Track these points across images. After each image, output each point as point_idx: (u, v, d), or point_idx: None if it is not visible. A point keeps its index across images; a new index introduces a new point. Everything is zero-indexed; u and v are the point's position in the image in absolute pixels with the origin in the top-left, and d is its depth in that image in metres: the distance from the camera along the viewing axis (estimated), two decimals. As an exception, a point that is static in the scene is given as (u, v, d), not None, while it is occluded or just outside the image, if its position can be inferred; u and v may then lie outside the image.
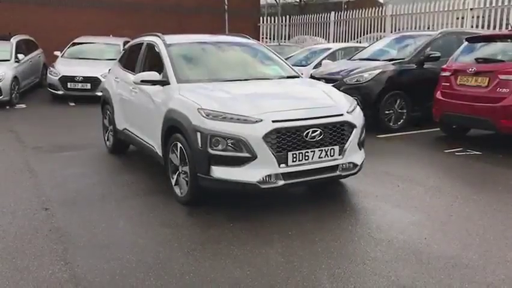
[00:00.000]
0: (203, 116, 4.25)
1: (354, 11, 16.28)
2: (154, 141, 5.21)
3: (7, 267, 3.38)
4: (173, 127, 4.65)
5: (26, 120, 9.67)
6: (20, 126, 8.92)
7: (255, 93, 4.79)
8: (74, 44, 13.72)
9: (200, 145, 4.20)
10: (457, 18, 13.73)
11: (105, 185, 5.39)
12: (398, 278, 3.17)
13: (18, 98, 11.71)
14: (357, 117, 4.65)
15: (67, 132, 8.47)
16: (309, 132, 4.24)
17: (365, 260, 3.43)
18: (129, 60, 6.44)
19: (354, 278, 3.17)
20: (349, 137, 4.51)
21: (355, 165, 4.62)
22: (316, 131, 4.28)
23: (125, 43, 13.96)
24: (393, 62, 8.48)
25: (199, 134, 4.22)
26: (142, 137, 5.59)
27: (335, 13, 17.27)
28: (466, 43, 7.59)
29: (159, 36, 5.71)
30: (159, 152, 5.07)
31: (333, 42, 16.98)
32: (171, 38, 5.65)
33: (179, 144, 4.55)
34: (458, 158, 6.47)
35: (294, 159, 4.21)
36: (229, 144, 4.12)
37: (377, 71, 8.20)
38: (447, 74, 7.38)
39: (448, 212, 4.43)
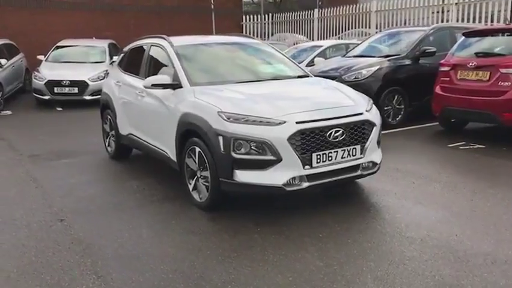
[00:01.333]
0: (224, 119, 4.16)
1: (339, 8, 16.31)
2: (166, 146, 5.09)
3: (37, 283, 3.24)
4: (190, 131, 4.55)
5: (14, 128, 9.39)
6: (9, 134, 8.66)
7: (273, 94, 4.72)
8: (58, 48, 13.40)
9: (222, 149, 4.11)
10: (434, 13, 13.91)
11: (115, 192, 5.26)
12: (442, 277, 3.15)
13: (2, 105, 11.39)
14: (375, 116, 4.63)
15: (60, 139, 8.25)
16: (332, 132, 4.19)
17: (403, 260, 3.40)
18: (131, 64, 6.29)
19: (399, 279, 3.13)
20: (369, 136, 4.48)
21: (374, 164, 4.59)
22: (339, 130, 4.23)
23: (110, 45, 13.76)
24: (390, 58, 8.51)
25: (221, 138, 4.12)
26: (151, 142, 5.46)
27: (319, 10, 17.29)
28: (463, 38, 7.66)
29: (165, 38, 5.58)
30: (173, 157, 4.96)
31: (318, 39, 17.02)
32: (177, 40, 5.53)
33: (197, 149, 4.45)
34: (463, 152, 6.52)
35: (318, 160, 4.16)
36: (253, 148, 4.04)
37: (375, 68, 8.22)
38: (446, 68, 7.43)
39: (469, 207, 4.44)
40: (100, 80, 12.08)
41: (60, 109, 11.69)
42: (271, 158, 4.02)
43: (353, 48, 10.04)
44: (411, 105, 8.50)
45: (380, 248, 3.61)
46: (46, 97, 11.83)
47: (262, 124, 4.09)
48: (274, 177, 4.06)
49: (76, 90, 11.83)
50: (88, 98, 11.94)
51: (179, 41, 5.53)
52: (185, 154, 4.66)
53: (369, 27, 15.18)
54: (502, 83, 6.58)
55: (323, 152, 4.17)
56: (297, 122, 4.09)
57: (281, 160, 4.03)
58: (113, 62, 13.12)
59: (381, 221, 4.14)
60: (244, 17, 19.67)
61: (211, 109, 4.30)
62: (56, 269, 3.43)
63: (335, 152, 4.24)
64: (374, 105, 4.81)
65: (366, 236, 3.84)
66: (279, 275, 3.24)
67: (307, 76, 5.56)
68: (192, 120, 4.50)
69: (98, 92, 11.96)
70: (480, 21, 12.50)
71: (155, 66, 5.65)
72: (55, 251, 3.74)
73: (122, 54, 6.68)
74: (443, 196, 4.77)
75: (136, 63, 6.11)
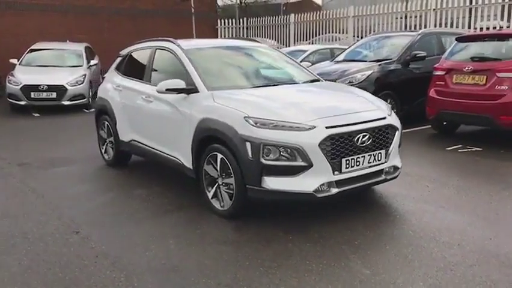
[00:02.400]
0: (252, 125, 4.03)
1: (316, 13, 16.40)
2: (179, 153, 4.92)
3: (74, 302, 3.03)
4: (211, 137, 4.40)
5: (-7, 135, 8.94)
6: (-10, 142, 8.24)
7: (295, 99, 4.63)
8: (32, 51, 12.89)
9: (250, 155, 3.99)
10: (397, 18, 14.27)
11: (124, 201, 5.03)
12: (494, 283, 3.13)
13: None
14: (396, 120, 4.61)
15: (47, 146, 7.91)
16: (359, 137, 4.14)
17: (449, 266, 3.37)
18: (132, 68, 6.08)
19: (454, 285, 3.09)
20: (392, 140, 4.46)
21: (396, 168, 4.57)
22: (366, 135, 4.18)
23: (86, 49, 13.36)
24: (382, 62, 8.58)
25: (248, 144, 4.00)
26: (160, 149, 5.27)
27: (295, 15, 17.35)
28: (455, 42, 7.80)
29: (173, 42, 5.40)
30: (187, 164, 4.79)
31: (294, 44, 17.07)
32: (186, 43, 5.37)
33: (219, 155, 4.31)
34: (463, 155, 6.61)
35: (347, 166, 4.10)
36: (283, 153, 3.94)
37: (369, 72, 8.27)
38: (440, 73, 7.55)
39: (492, 210, 4.48)
40: (79, 84, 11.75)
41: (37, 115, 11.24)
42: (302, 164, 3.93)
43: (341, 53, 10.08)
44: (402, 109, 8.59)
45: (421, 254, 3.57)
46: (22, 102, 11.34)
47: (292, 129, 3.99)
48: (304, 183, 3.97)
49: (54, 95, 11.40)
50: (66, 103, 11.54)
51: (188, 44, 5.37)
52: (204, 161, 4.51)
53: (347, 32, 15.32)
54: (499, 87, 6.72)
55: (351, 157, 4.11)
56: (326, 127, 4.02)
57: (312, 166, 3.94)
58: (91, 66, 12.80)
59: (411, 226, 4.11)
60: (219, 21, 19.52)
61: (236, 114, 4.17)
62: (90, 286, 3.23)
63: (362, 157, 4.19)
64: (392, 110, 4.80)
65: (402, 242, 3.79)
66: (329, 285, 3.14)
67: (319, 80, 5.50)
68: (213, 126, 4.35)
69: (77, 97, 11.68)
70: (452, 27, 12.83)
71: (163, 71, 5.47)
72: (81, 266, 3.52)
73: (120, 58, 6.44)
74: (461, 199, 4.79)
75: (139, 67, 5.91)
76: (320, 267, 3.39)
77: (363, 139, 4.16)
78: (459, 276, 3.22)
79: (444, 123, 7.99)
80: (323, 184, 4.00)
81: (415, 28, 13.88)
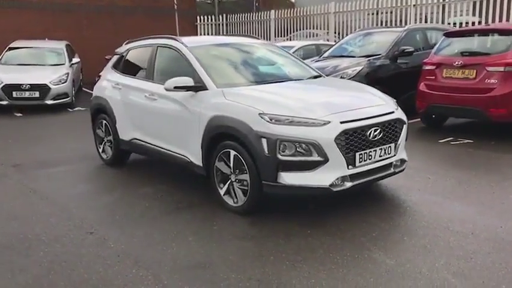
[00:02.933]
0: (267, 121, 4.07)
1: (298, 9, 16.49)
2: (187, 151, 4.91)
3: (107, 302, 3.02)
4: (223, 134, 4.42)
5: (-22, 136, 8.71)
6: (-24, 143, 8.04)
7: (306, 95, 4.69)
8: (11, 49, 12.58)
9: (267, 151, 4.02)
10: (369, 14, 14.53)
11: (132, 200, 4.99)
12: (515, 268, 3.26)
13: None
14: (402, 114, 4.72)
15: (37, 146, 7.75)
16: (371, 131, 4.22)
17: (468, 254, 3.48)
18: (132, 66, 6.02)
19: (476, 274, 3.20)
20: (400, 134, 4.56)
21: (403, 161, 4.68)
22: (377, 129, 4.27)
23: (67, 46, 13.12)
24: (371, 58, 8.71)
25: (264, 140, 4.03)
26: (165, 147, 5.24)
27: (275, 11, 17.40)
28: (443, 38, 7.99)
29: (176, 39, 5.39)
30: (196, 161, 4.80)
31: (274, 40, 17.12)
32: (190, 40, 5.36)
33: (232, 152, 4.33)
34: (456, 147, 6.80)
35: (361, 160, 4.18)
36: (300, 149, 3.99)
37: (360, 67, 8.39)
38: (430, 67, 7.72)
39: (496, 200, 4.63)
40: (62, 83, 11.54)
41: (19, 114, 10.98)
42: (318, 158, 3.99)
43: (329, 49, 10.19)
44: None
45: (438, 244, 3.67)
46: (4, 102, 11.06)
47: (308, 125, 4.04)
48: (320, 178, 4.04)
49: (37, 94, 11.16)
50: (49, 102, 11.31)
51: (192, 41, 5.36)
52: (216, 158, 4.52)
53: (328, 28, 15.47)
54: (489, 81, 6.93)
55: (364, 151, 4.20)
56: (341, 122, 4.09)
57: (328, 161, 4.00)
58: (73, 64, 12.57)
59: (423, 217, 4.22)
60: (198, 17, 19.41)
61: (250, 111, 4.20)
62: (119, 286, 3.22)
63: (374, 150, 4.28)
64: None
65: (418, 233, 3.90)
66: (358, 276, 3.21)
67: (321, 76, 5.57)
68: (226, 123, 4.37)
69: (61, 96, 11.47)
70: (426, 22, 13.14)
71: (166, 68, 5.44)
72: (105, 266, 3.50)
73: (117, 56, 6.37)
74: (464, 190, 4.94)
75: (140, 65, 5.87)
76: (345, 260, 3.46)
77: (375, 133, 4.25)
78: (480, 264, 3.33)
79: (433, 116, 8.17)
80: (338, 178, 4.07)
81: (389, 24, 14.16)
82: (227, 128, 4.36)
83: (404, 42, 9.05)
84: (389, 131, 4.41)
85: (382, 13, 14.52)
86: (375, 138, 4.26)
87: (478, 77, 7.05)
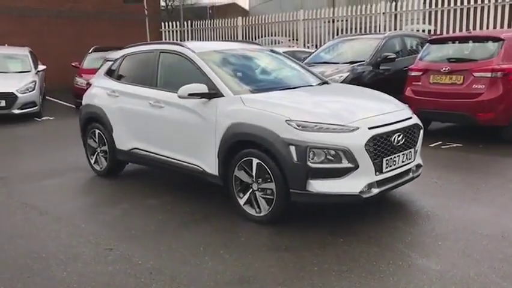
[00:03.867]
0: (295, 128, 3.98)
1: (267, 16, 16.52)
2: (200, 160, 4.74)
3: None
4: (244, 142, 4.29)
5: None
6: None
7: (327, 101, 4.63)
8: (-30, 56, 11.88)
9: (296, 159, 3.93)
10: (325, 22, 14.89)
11: (141, 213, 4.76)
12: (558, 269, 3.31)
13: None
14: (418, 119, 4.75)
15: (16, 158, 7.37)
16: (395, 136, 4.22)
17: (508, 258, 3.50)
18: (130, 72, 5.78)
19: (524, 276, 3.23)
20: (418, 139, 4.59)
21: (419, 166, 4.72)
22: (400, 135, 4.28)
23: (31, 53, 12.56)
24: (356, 64, 8.80)
25: (293, 148, 3.94)
26: (174, 157, 5.04)
27: (242, 18, 17.38)
28: (428, 44, 8.18)
29: (181, 45, 5.21)
30: (211, 170, 4.64)
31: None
32: (195, 46, 5.19)
33: (255, 160, 4.21)
34: (447, 151, 6.95)
35: (387, 166, 4.17)
36: (330, 156, 3.92)
37: (346, 74, 8.45)
38: (417, 73, 7.88)
39: (509, 202, 4.73)
40: (30, 91, 11.02)
41: (-16, 125, 10.37)
42: (349, 165, 3.94)
43: (309, 56, 10.22)
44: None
45: (475, 247, 3.69)
46: (-34, 112, 10.42)
47: (337, 131, 3.99)
48: (350, 185, 3.98)
49: (3, 103, 10.60)
50: (17, 111, 10.77)
51: (198, 47, 5.19)
52: (235, 167, 4.38)
53: (297, 34, 15.58)
54: (476, 86, 7.14)
55: (389, 157, 4.19)
56: (369, 128, 4.06)
57: (358, 167, 3.96)
58: (39, 71, 12.01)
59: (448, 221, 4.24)
60: (163, 23, 19.09)
61: (276, 117, 4.10)
62: (165, 305, 3.03)
63: (397, 156, 4.27)
64: (410, 109, 4.95)
65: (450, 237, 3.90)
66: (410, 284, 3.17)
67: (327, 82, 5.54)
68: (248, 131, 4.24)
69: (28, 105, 10.95)
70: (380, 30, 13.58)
71: (172, 75, 5.26)
72: (141, 285, 3.29)
73: (110, 63, 6.10)
74: (475, 193, 5.02)
75: (139, 71, 5.64)
76: (391, 268, 3.40)
77: (398, 138, 4.25)
78: (522, 267, 3.37)
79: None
80: (367, 185, 4.03)
81: (345, 31, 14.52)
82: (250, 136, 4.24)
83: (385, 49, 9.22)
84: (410, 136, 4.43)
85: (338, 21, 14.84)
86: (399, 144, 4.26)
87: (465, 83, 7.25)
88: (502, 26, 12.06)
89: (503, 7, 12.07)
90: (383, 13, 13.81)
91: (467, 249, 3.66)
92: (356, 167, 3.95)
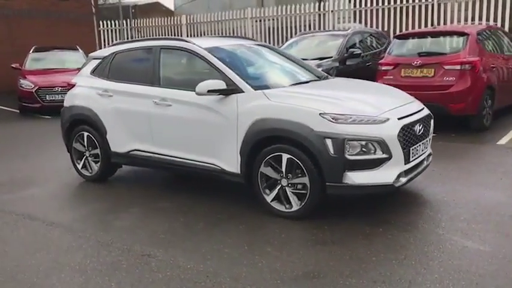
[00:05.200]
0: (330, 121, 3.98)
1: (212, 14, 16.35)
2: (218, 158, 4.61)
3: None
4: (273, 137, 4.22)
5: None
6: None
7: (348, 93, 4.68)
8: None
9: (333, 152, 3.93)
10: (256, 21, 15.20)
11: (159, 216, 4.56)
12: None
13: None
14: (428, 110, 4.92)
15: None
16: (417, 126, 4.35)
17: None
18: (124, 71, 5.48)
19: None
20: (431, 128, 4.76)
21: (430, 154, 4.89)
22: (421, 124, 4.42)
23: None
24: (324, 60, 8.97)
25: (329, 141, 3.94)
26: (184, 156, 4.84)
27: (186, 16, 17.10)
28: (395, 40, 8.51)
29: (187, 41, 5.03)
30: (231, 169, 4.52)
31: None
32: (201, 42, 5.03)
33: (285, 156, 4.16)
34: (426, 141, 7.26)
35: (412, 155, 4.28)
36: (365, 147, 3.97)
37: (320, 69, 8.56)
38: (388, 67, 8.17)
39: (510, 185, 5.03)
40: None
41: None
42: (384, 156, 4.00)
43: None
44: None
45: (509, 228, 3.88)
46: None
47: (370, 123, 4.04)
48: (385, 175, 4.05)
49: None
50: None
51: (204, 43, 5.03)
52: (261, 163, 4.31)
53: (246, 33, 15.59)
54: (447, 78, 7.53)
55: (414, 146, 4.31)
56: (398, 118, 4.15)
57: (391, 157, 4.03)
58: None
59: (468, 206, 4.40)
60: (101, 22, 18.30)
61: (309, 111, 4.07)
62: (245, 307, 2.92)
63: (419, 145, 4.41)
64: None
65: (479, 220, 4.07)
66: (471, 266, 3.27)
67: (328, 76, 5.59)
68: (278, 126, 4.18)
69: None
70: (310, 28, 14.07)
71: (178, 72, 5.11)
72: (205, 289, 3.15)
73: (98, 61, 5.74)
74: (476, 178, 5.28)
75: (137, 69, 5.39)
76: (444, 252, 3.49)
77: (419, 128, 4.38)
78: None
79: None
80: (399, 174, 4.12)
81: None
82: (279, 131, 4.18)
83: (349, 45, 9.48)
84: (426, 126, 4.58)
85: (268, 20, 15.16)
86: (419, 133, 4.40)
87: (436, 75, 7.62)
88: (425, 25, 12.67)
89: (426, 6, 12.79)
90: (311, 12, 14.43)
91: (502, 230, 3.85)
92: (390, 157, 4.02)
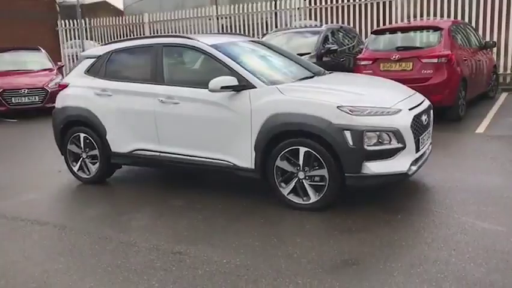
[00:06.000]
0: (348, 113, 4.10)
1: (175, 12, 16.17)
2: (230, 155, 4.63)
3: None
4: (289, 132, 4.29)
5: None
6: None
7: (357, 87, 4.81)
8: None
9: (352, 143, 4.06)
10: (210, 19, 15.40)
11: (175, 214, 4.52)
12: None
13: None
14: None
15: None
16: (423, 116, 4.55)
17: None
18: (124, 69, 5.41)
19: None
20: (431, 118, 4.98)
21: (431, 143, 5.12)
22: (426, 115, 4.63)
23: None
24: (302, 56, 9.08)
25: (348, 133, 4.05)
26: (193, 154, 4.83)
27: (149, 14, 16.84)
28: (372, 35, 8.78)
29: (191, 38, 5.01)
30: (244, 164, 4.56)
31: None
32: (206, 40, 5.02)
33: (302, 149, 4.25)
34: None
35: (421, 145, 4.48)
36: (382, 138, 4.11)
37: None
38: (366, 62, 8.42)
39: (501, 168, 5.33)
40: None
41: None
42: (399, 145, 4.16)
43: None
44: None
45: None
46: None
47: (385, 114, 4.19)
48: (400, 164, 4.21)
49: None
50: None
51: (209, 40, 5.03)
52: (277, 157, 4.37)
53: (211, 31, 15.55)
54: (425, 71, 7.85)
55: (421, 136, 4.50)
56: (409, 109, 4.33)
57: (405, 147, 4.20)
58: None
59: (471, 191, 4.63)
60: (60, 21, 17.73)
61: (326, 105, 4.17)
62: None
63: (425, 135, 4.61)
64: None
65: (488, 203, 4.29)
66: (495, 245, 3.47)
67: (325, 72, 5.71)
68: (294, 120, 4.25)
69: None
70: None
71: (183, 69, 5.10)
72: (251, 282, 3.18)
73: (92, 60, 5.60)
74: (468, 164, 5.59)
75: (137, 67, 5.31)
76: (467, 234, 3.68)
77: (425, 118, 4.59)
78: None
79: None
80: (411, 163, 4.30)
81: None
82: (297, 125, 4.25)
83: (325, 41, 9.67)
84: (429, 116, 4.80)
85: (222, 18, 15.33)
86: (425, 123, 4.60)
87: (414, 69, 7.93)
88: (377, 22, 13.12)
89: (377, 4, 13.26)
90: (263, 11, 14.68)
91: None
92: (404, 146, 4.19)
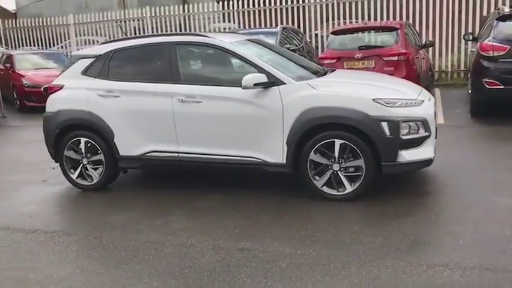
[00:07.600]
0: (384, 105, 4.33)
1: (105, 13, 15.55)
2: (259, 151, 4.66)
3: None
4: (324, 125, 4.43)
5: None
6: None
7: (374, 81, 5.06)
8: None
9: (389, 133, 4.30)
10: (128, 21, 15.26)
11: (210, 214, 4.45)
12: None
13: None
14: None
15: None
16: (435, 107, 4.94)
17: None
18: (131, 69, 5.18)
19: None
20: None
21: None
22: (435, 106, 5.02)
23: None
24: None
25: (385, 124, 4.29)
26: (219, 153, 4.78)
27: (74, 15, 16.02)
28: (331, 36, 9.18)
29: (208, 36, 4.95)
30: (274, 160, 4.63)
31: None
32: (222, 38, 5.00)
33: (338, 141, 4.41)
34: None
35: (436, 133, 4.85)
36: (413, 127, 4.40)
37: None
38: (330, 61, 8.76)
39: (502, 167, 5.51)
40: None
41: None
42: (426, 134, 4.48)
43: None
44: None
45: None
46: None
47: (413, 105, 4.49)
48: (427, 151, 4.53)
49: None
50: None
51: (224, 38, 5.01)
52: (311, 151, 4.49)
53: (146, 31, 15.18)
54: (386, 69, 8.38)
55: (435, 124, 4.87)
56: (429, 100, 4.68)
57: (430, 135, 4.53)
58: None
59: (476, 170, 5.12)
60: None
61: (361, 97, 4.38)
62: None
63: (436, 123, 5.00)
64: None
65: (499, 181, 4.77)
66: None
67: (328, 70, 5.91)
68: (330, 113, 4.40)
69: None
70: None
71: (204, 68, 5.04)
72: (313, 273, 3.28)
73: (91, 60, 5.28)
74: (456, 150, 6.04)
75: (146, 67, 5.15)
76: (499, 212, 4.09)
77: (435, 108, 4.97)
78: None
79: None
80: (434, 150, 4.64)
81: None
82: (333, 118, 4.41)
83: (281, 42, 9.93)
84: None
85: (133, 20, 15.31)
86: (435, 113, 4.98)
87: (377, 66, 8.43)
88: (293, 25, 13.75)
89: (292, 9, 13.86)
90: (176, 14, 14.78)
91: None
92: (430, 134, 4.52)
